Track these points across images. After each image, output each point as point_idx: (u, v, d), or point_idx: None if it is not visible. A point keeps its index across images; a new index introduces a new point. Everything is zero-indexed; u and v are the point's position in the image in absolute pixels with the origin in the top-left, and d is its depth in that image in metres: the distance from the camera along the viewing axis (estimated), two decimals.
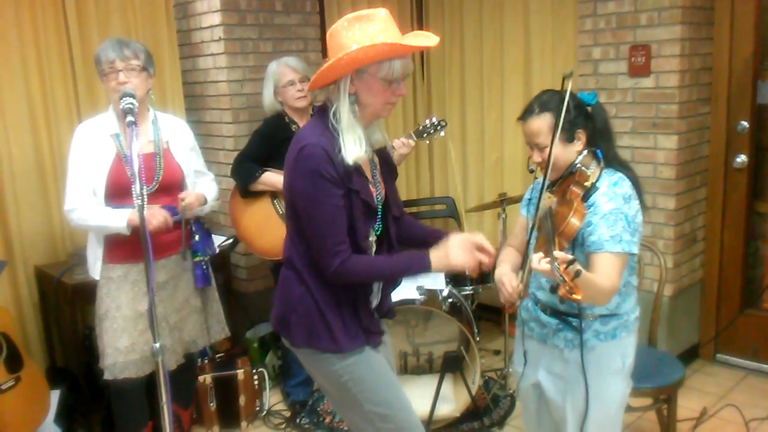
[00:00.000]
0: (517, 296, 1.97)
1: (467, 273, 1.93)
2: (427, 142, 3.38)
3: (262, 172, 3.17)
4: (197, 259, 2.75)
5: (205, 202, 2.80)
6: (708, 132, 3.56)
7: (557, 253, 1.63)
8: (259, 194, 3.24)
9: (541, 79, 3.90)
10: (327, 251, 1.86)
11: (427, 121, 3.28)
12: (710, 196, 3.62)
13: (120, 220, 2.50)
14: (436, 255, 1.90)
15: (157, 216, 2.52)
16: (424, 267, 1.91)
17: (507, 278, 2.01)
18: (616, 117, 3.46)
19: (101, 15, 3.49)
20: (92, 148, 2.56)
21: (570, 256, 1.62)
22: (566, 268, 1.58)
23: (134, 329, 2.61)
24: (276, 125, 3.20)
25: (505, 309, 2.23)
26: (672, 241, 3.43)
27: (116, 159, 2.56)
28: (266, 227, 3.21)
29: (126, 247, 2.57)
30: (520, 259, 2.14)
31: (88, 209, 2.55)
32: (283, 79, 3.18)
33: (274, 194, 3.24)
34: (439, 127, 3.27)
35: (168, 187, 2.66)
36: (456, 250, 1.88)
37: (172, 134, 2.74)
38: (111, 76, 2.54)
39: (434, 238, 2.08)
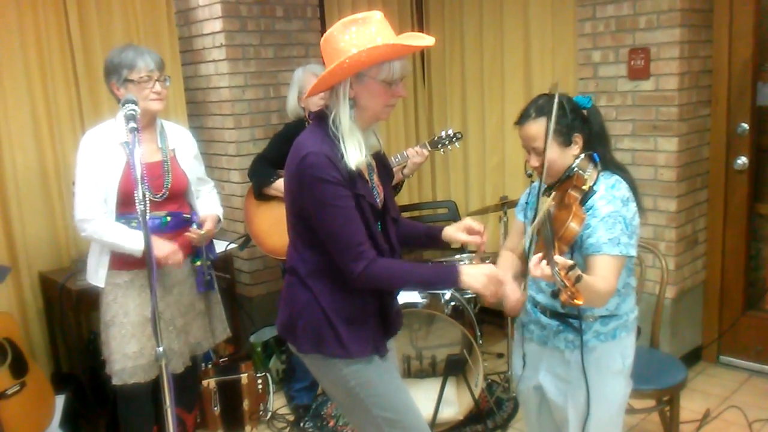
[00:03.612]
0: (521, 307, 1.98)
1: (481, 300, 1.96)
2: (442, 152, 3.41)
3: (277, 178, 3.23)
4: (198, 263, 2.77)
5: (220, 220, 2.84)
6: (708, 134, 3.56)
7: (557, 258, 1.63)
8: (273, 196, 3.30)
9: (542, 82, 3.91)
10: (350, 255, 1.82)
11: (443, 133, 3.33)
12: (711, 198, 3.63)
13: (136, 243, 2.48)
14: (468, 274, 1.85)
15: (177, 254, 2.56)
16: (453, 282, 1.86)
17: (510, 289, 1.99)
18: (616, 120, 3.48)
19: (103, 22, 3.52)
20: (102, 157, 2.55)
21: (570, 261, 1.62)
22: (567, 273, 1.59)
23: (142, 334, 2.62)
24: (296, 129, 3.23)
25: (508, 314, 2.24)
26: (673, 244, 3.43)
27: (127, 167, 2.55)
28: (277, 228, 3.26)
29: None
30: (519, 263, 2.16)
31: (104, 224, 2.54)
32: (308, 85, 3.21)
33: None
34: (454, 139, 3.32)
35: (176, 195, 2.68)
36: (491, 279, 1.85)
37: (178, 142, 2.76)
38: (146, 85, 2.52)
39: (429, 234, 2.13)
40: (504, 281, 1.90)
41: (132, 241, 2.51)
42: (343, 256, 1.84)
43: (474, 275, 1.85)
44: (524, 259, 2.09)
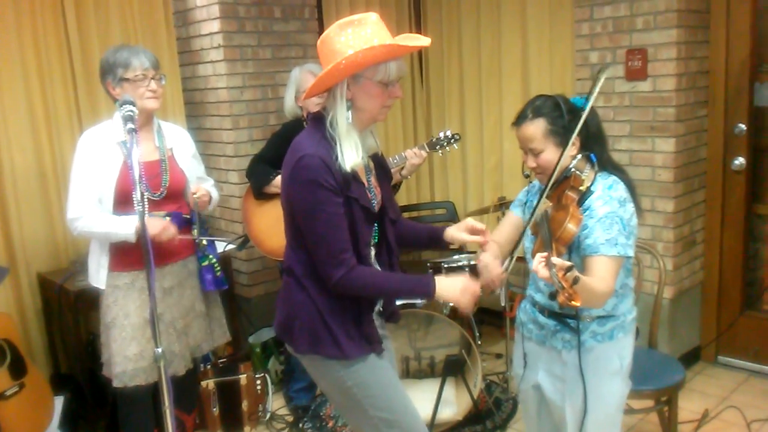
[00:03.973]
0: (499, 284, 2.01)
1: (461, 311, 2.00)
2: (440, 154, 3.41)
3: (276, 175, 3.22)
4: (206, 263, 2.76)
5: (212, 197, 2.84)
6: (705, 135, 3.57)
7: (555, 259, 1.63)
8: (272, 196, 3.30)
9: (539, 83, 3.92)
10: (330, 261, 1.86)
11: (441, 134, 3.32)
12: (709, 198, 3.64)
13: (127, 227, 2.49)
14: (442, 287, 1.93)
15: (168, 230, 2.55)
16: (427, 294, 1.94)
17: (492, 265, 2.03)
18: (613, 121, 3.48)
19: (101, 23, 3.52)
20: (99, 156, 2.55)
21: (568, 263, 1.63)
22: (564, 275, 1.60)
23: (143, 337, 2.61)
24: (294, 129, 3.22)
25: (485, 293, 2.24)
26: (671, 244, 3.44)
27: (124, 166, 2.54)
28: (276, 228, 3.25)
29: (132, 254, 2.57)
30: (501, 254, 2.16)
31: (94, 217, 2.54)
32: (305, 84, 3.21)
33: None
34: (453, 140, 3.31)
35: (173, 194, 2.68)
36: (464, 292, 1.93)
37: (175, 142, 2.76)
38: (141, 83, 2.52)
39: (432, 235, 2.15)
40: (478, 292, 1.96)
41: (123, 225, 2.50)
42: (324, 261, 1.88)
43: (448, 287, 1.93)
44: (509, 250, 2.11)
